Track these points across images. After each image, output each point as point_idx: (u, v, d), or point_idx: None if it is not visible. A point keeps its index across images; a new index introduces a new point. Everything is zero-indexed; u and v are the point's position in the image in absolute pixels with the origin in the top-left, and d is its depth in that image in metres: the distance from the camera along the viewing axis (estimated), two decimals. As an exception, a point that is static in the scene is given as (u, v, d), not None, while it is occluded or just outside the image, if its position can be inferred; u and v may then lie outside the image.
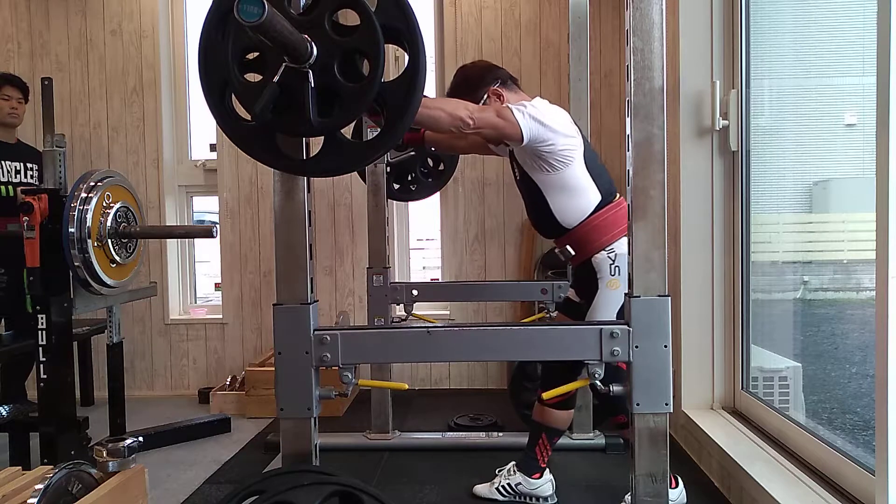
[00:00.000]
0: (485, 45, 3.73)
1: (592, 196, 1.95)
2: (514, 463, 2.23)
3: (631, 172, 1.32)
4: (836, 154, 2.46)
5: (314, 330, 1.38)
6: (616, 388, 1.39)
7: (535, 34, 3.72)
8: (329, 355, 1.38)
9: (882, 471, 1.49)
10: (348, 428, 2.96)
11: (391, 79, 1.20)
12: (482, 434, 2.81)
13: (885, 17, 1.44)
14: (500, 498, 2.19)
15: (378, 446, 2.75)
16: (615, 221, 1.95)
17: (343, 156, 1.26)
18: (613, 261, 1.92)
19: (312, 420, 1.39)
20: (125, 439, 1.57)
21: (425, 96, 1.75)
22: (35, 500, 1.34)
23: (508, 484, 2.19)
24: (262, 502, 1.25)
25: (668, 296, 1.33)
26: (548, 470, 2.20)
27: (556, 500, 2.18)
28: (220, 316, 3.88)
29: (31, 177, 3.23)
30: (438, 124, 1.80)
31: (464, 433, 2.90)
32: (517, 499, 2.18)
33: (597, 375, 1.36)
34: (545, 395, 1.67)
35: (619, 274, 1.92)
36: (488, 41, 3.73)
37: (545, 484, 2.17)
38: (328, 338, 1.38)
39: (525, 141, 1.86)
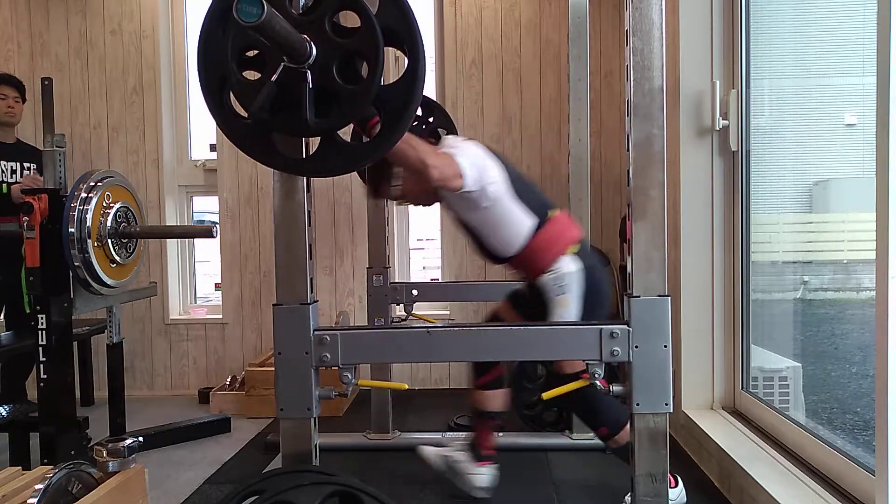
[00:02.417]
0: (485, 45, 3.73)
1: (526, 221, 1.94)
2: (466, 442, 2.22)
3: (631, 172, 1.32)
4: (836, 154, 2.46)
5: (314, 330, 1.38)
6: (616, 389, 1.39)
7: (535, 34, 3.72)
8: (329, 355, 1.38)
9: (882, 471, 1.49)
10: (348, 428, 2.96)
11: (390, 81, 1.20)
12: (482, 434, 2.80)
13: (885, 17, 1.44)
14: (437, 466, 2.19)
15: (378, 446, 2.75)
16: (553, 241, 1.94)
17: (339, 157, 1.26)
18: (557, 281, 1.91)
19: (312, 420, 1.39)
20: (125, 439, 1.57)
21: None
22: (35, 500, 1.34)
23: (451, 457, 2.17)
24: (262, 502, 1.25)
25: (668, 296, 1.33)
26: (495, 466, 2.17)
27: (488, 496, 2.14)
28: (220, 316, 3.88)
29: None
30: (405, 160, 1.73)
31: (464, 433, 2.89)
32: (449, 475, 2.16)
33: (597, 375, 1.36)
34: (545, 396, 1.66)
35: (566, 292, 1.90)
36: (488, 41, 3.73)
37: (483, 475, 2.14)
38: (328, 338, 1.38)
39: (464, 191, 1.83)
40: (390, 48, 1.22)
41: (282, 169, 1.33)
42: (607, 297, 2.04)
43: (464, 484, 2.15)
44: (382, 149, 1.28)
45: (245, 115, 1.20)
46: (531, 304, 2.02)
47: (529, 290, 2.07)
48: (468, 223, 2.00)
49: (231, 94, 1.20)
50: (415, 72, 1.18)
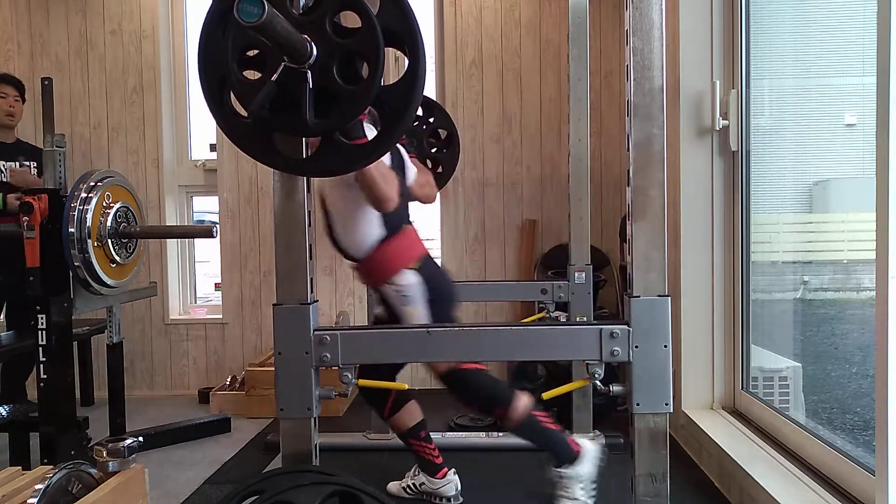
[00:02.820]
0: (485, 45, 3.73)
1: (377, 231, 1.99)
2: (417, 465, 2.28)
3: (631, 172, 1.32)
4: (836, 154, 2.46)
5: (314, 330, 1.38)
6: (616, 389, 1.39)
7: (535, 34, 3.72)
8: (329, 355, 1.37)
9: (882, 471, 1.49)
10: (348, 428, 2.96)
11: (391, 82, 1.20)
12: (482, 434, 2.81)
13: (885, 17, 1.44)
14: (407, 496, 2.25)
15: (378, 446, 2.75)
16: (397, 254, 2.00)
17: (339, 157, 1.25)
18: (400, 292, 1.99)
19: (312, 420, 1.39)
20: (125, 439, 1.57)
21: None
22: (35, 500, 1.34)
23: (413, 484, 2.26)
24: (262, 502, 1.25)
25: (668, 296, 1.33)
26: (453, 471, 2.23)
27: (460, 500, 2.20)
28: (220, 316, 3.88)
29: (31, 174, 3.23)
30: (371, 188, 1.80)
31: (464, 433, 2.90)
32: (423, 497, 2.23)
33: (597, 376, 1.36)
34: (545, 396, 1.66)
35: (411, 303, 1.98)
36: (488, 41, 3.73)
37: (448, 484, 2.20)
38: (328, 338, 1.38)
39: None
40: (391, 48, 1.22)
41: (282, 169, 1.33)
42: (453, 299, 2.10)
43: (438, 500, 2.21)
44: (382, 150, 1.28)
45: (245, 114, 1.20)
46: (391, 321, 2.08)
47: (385, 307, 2.12)
48: (328, 208, 2.03)
49: (231, 93, 1.20)
50: (415, 73, 1.18)
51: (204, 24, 1.19)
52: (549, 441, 2.02)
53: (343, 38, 1.16)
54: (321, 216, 2.08)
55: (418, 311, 1.98)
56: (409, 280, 1.98)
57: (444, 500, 2.19)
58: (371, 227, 1.98)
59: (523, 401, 2.00)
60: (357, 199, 1.93)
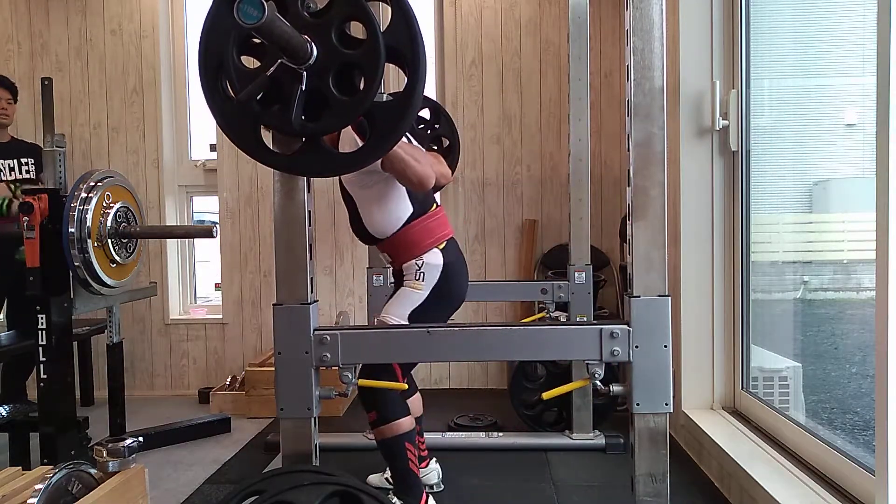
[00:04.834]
0: (485, 45, 3.73)
1: (403, 209, 1.99)
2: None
3: (631, 172, 1.32)
4: (836, 154, 2.46)
5: (314, 330, 1.38)
6: (616, 389, 1.39)
7: (535, 34, 3.72)
8: (329, 355, 1.38)
9: (882, 471, 1.49)
10: (348, 428, 2.96)
11: (387, 93, 1.20)
12: (482, 434, 2.81)
13: (885, 17, 1.44)
14: (389, 486, 2.20)
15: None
16: (426, 233, 2.01)
17: (319, 162, 1.26)
18: (420, 268, 2.00)
19: (312, 420, 1.39)
20: (125, 439, 1.57)
21: (412, 143, 1.83)
22: (35, 500, 1.34)
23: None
24: (262, 502, 1.25)
25: (668, 296, 1.33)
26: (434, 460, 2.23)
27: (442, 487, 2.21)
28: (220, 316, 3.88)
29: (27, 171, 3.23)
30: (404, 171, 1.81)
31: (464, 433, 2.90)
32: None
33: (597, 376, 1.36)
34: (545, 396, 1.66)
35: (422, 279, 1.99)
36: (488, 41, 3.73)
37: (430, 473, 2.21)
38: (328, 338, 1.38)
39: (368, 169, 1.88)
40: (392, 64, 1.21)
41: (262, 161, 1.30)
42: (459, 295, 2.11)
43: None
44: (365, 162, 1.28)
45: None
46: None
47: (394, 275, 2.12)
48: (353, 196, 2.03)
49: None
50: (412, 94, 1.17)
51: (212, 4, 1.19)
52: (402, 475, 1.97)
53: (346, 48, 1.16)
54: (349, 213, 2.09)
55: (423, 289, 1.98)
56: (435, 259, 1.99)
57: (425, 486, 2.17)
58: (400, 205, 1.99)
59: (403, 425, 1.95)
60: (379, 182, 1.94)
